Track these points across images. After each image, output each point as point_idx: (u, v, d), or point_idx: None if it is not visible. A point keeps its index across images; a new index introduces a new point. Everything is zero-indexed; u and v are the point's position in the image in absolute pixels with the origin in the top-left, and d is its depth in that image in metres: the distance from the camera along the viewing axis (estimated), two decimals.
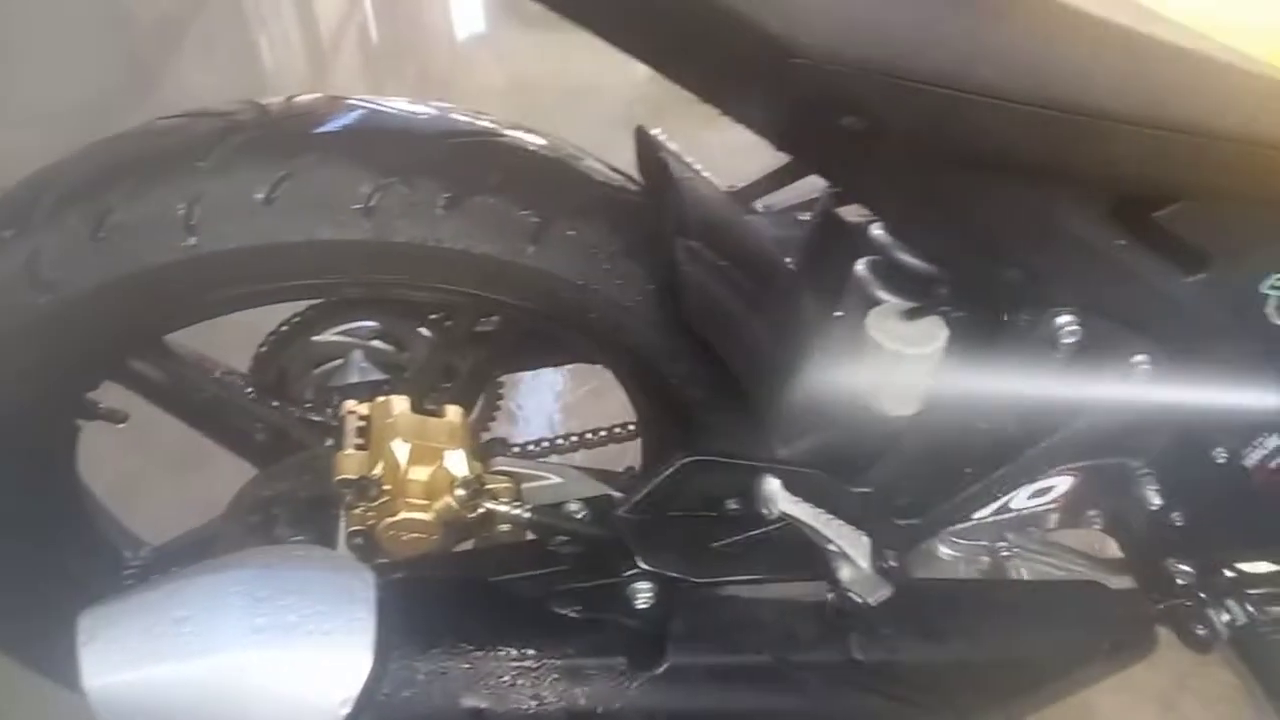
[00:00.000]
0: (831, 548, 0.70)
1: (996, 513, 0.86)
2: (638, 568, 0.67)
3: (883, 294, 0.73)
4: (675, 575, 0.67)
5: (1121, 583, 0.96)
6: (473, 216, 0.66)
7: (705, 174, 0.88)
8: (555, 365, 0.96)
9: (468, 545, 0.84)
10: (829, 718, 0.74)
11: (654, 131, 0.83)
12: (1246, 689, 1.17)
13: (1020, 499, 0.85)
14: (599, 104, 2.30)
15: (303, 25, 3.13)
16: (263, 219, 0.64)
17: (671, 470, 0.69)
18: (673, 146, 0.85)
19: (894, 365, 0.66)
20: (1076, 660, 0.85)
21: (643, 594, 0.68)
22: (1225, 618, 0.84)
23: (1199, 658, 1.21)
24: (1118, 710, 1.17)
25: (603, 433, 1.04)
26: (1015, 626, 0.81)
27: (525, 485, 0.82)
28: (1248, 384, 0.78)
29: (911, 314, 0.67)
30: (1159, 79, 0.51)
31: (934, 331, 0.66)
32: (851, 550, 0.70)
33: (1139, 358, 0.70)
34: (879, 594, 0.72)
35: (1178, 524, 0.88)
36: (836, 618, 0.74)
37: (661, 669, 0.66)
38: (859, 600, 0.72)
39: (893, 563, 0.71)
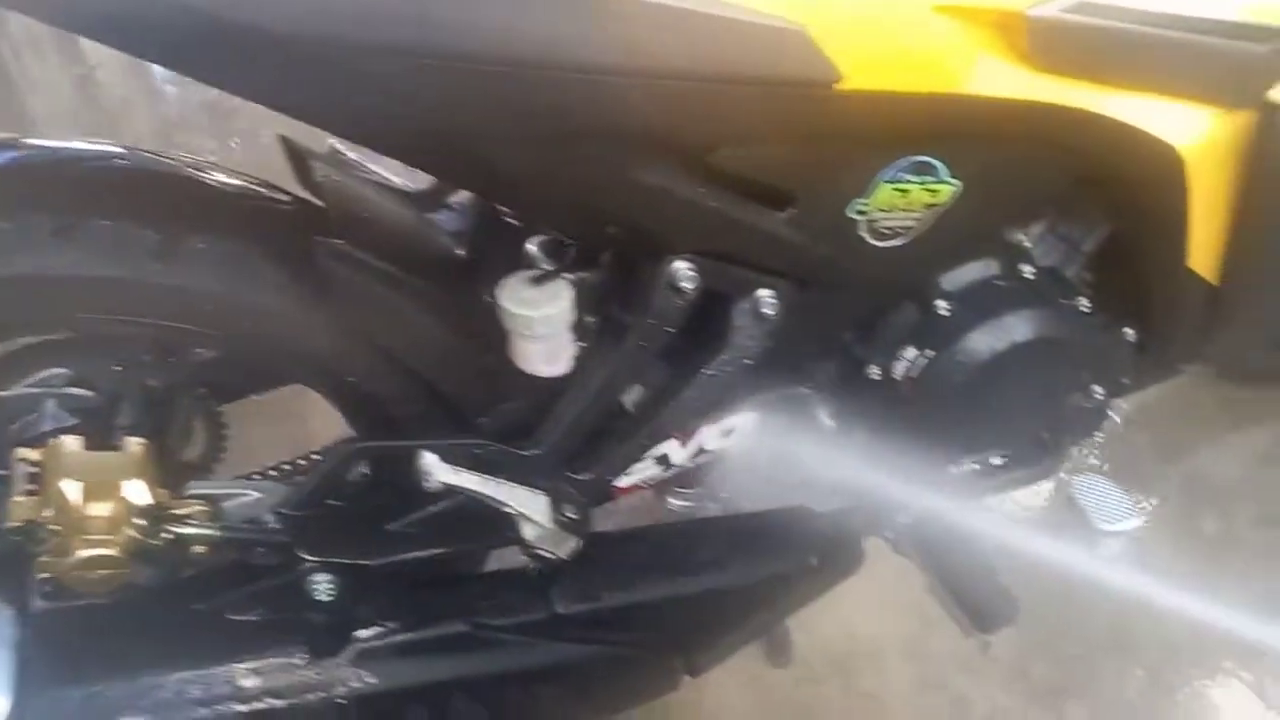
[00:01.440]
0: (508, 510, 0.73)
1: (694, 457, 0.93)
2: (306, 561, 0.68)
3: (537, 267, 0.77)
4: (345, 561, 0.69)
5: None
6: (86, 242, 0.66)
7: (388, 177, 0.91)
8: (261, 391, 0.96)
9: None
10: (541, 673, 0.77)
11: (330, 142, 0.85)
12: None
13: (711, 440, 0.92)
14: None
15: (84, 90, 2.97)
16: None
17: (330, 462, 0.71)
18: (352, 155, 0.87)
19: (527, 328, 0.70)
20: (786, 581, 0.92)
21: (322, 586, 0.69)
22: (902, 519, 0.93)
23: None
24: (877, 626, 1.26)
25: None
26: (721, 559, 0.87)
27: (228, 504, 0.83)
28: (870, 301, 0.87)
29: (537, 280, 0.71)
30: (663, 35, 0.57)
31: (558, 293, 0.71)
32: (529, 510, 0.74)
33: (764, 292, 0.77)
34: (567, 547, 0.76)
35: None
36: (535, 576, 0.77)
37: (346, 655, 0.68)
38: (550, 555, 0.76)
39: (572, 515, 0.76)
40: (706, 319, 0.78)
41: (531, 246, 0.82)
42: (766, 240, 0.73)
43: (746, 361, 0.78)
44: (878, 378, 0.90)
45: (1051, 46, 0.71)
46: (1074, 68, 0.73)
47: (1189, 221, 0.85)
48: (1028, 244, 0.91)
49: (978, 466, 0.95)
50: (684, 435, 0.90)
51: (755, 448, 0.93)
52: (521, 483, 0.74)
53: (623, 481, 0.90)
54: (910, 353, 0.89)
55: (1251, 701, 1.16)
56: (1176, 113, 0.78)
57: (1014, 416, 0.92)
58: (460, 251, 0.87)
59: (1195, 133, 0.79)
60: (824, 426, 0.91)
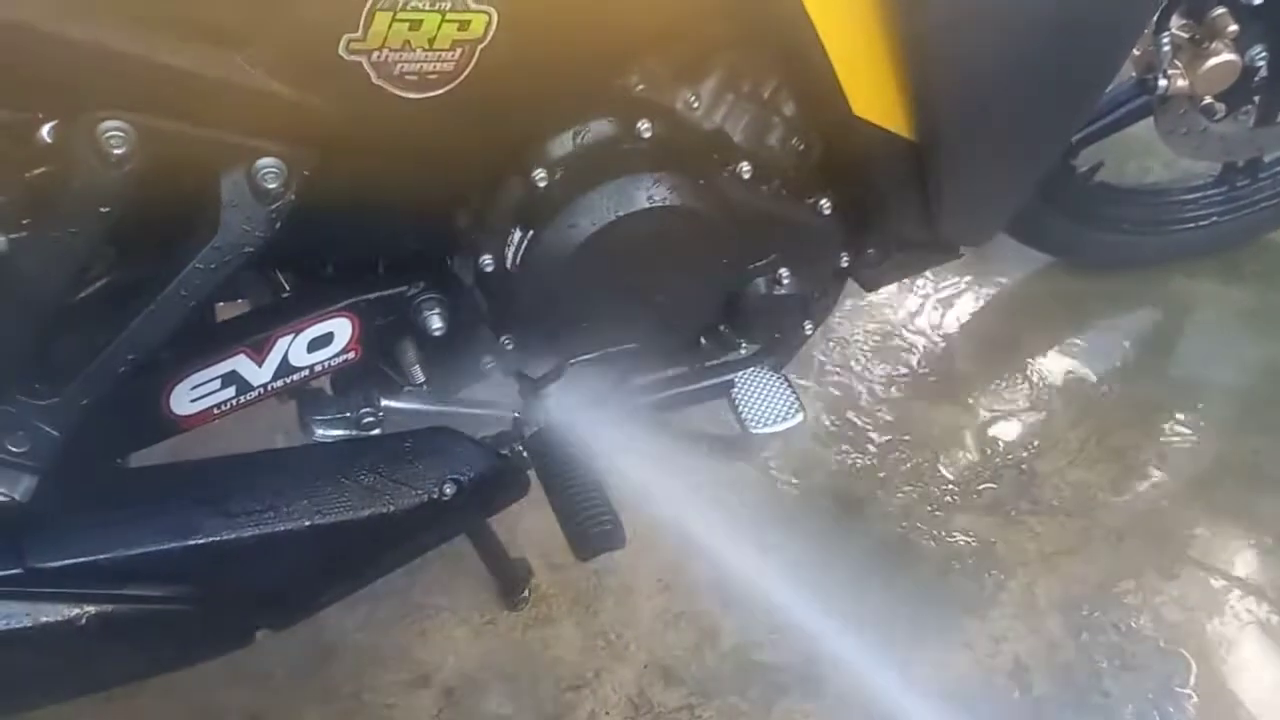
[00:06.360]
0: None
1: (290, 375, 0.78)
2: None
3: None
4: None
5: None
6: None
7: None
8: None
9: None
10: (24, 638, 0.64)
11: None
12: None
13: (299, 354, 0.77)
14: None
15: None
16: None
17: None
18: None
19: None
20: (407, 517, 0.78)
21: None
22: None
23: None
24: (630, 558, 1.13)
25: None
26: (286, 496, 0.73)
27: None
28: (447, 174, 0.71)
29: None
30: None
31: None
32: None
33: (264, 162, 0.62)
34: (21, 487, 0.62)
35: (509, 347, 0.82)
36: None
37: None
38: (5, 498, 0.62)
39: (14, 448, 0.61)
40: (198, 198, 0.63)
41: None
42: (224, 91, 0.57)
43: (248, 250, 0.63)
44: (490, 269, 0.75)
45: None
46: None
47: (830, 57, 0.69)
48: (661, 99, 0.75)
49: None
50: (255, 349, 0.76)
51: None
52: None
53: (186, 409, 0.76)
54: (516, 235, 0.74)
55: None
56: None
57: (658, 307, 0.78)
58: None
59: None
60: (430, 330, 0.76)
